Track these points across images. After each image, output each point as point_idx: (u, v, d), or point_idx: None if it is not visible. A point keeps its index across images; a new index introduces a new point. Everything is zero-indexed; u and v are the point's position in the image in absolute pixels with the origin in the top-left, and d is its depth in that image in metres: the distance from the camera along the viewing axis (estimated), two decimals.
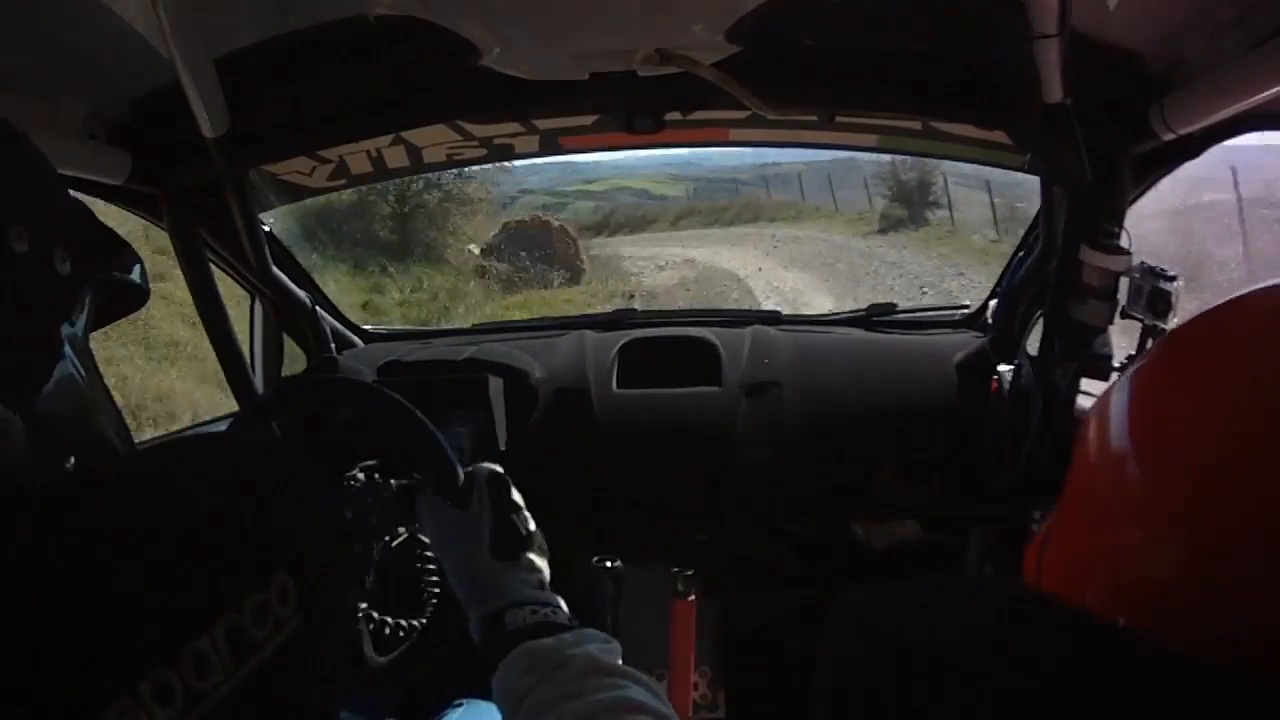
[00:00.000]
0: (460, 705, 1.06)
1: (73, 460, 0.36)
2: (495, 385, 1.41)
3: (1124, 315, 1.11)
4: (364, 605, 0.88)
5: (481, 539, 0.71)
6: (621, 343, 1.50)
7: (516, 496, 0.77)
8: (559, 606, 0.68)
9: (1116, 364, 1.15)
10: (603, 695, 0.56)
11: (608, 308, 6.97)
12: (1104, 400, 0.39)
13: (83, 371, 0.38)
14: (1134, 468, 0.36)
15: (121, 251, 0.44)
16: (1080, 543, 0.40)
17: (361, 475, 0.93)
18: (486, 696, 1.11)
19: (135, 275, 0.45)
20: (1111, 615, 0.34)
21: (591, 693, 0.56)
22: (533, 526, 0.75)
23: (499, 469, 0.77)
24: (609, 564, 1.30)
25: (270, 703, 0.32)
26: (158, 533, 0.30)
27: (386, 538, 0.89)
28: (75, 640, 0.26)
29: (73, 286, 0.38)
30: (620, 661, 0.62)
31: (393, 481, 0.88)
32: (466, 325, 1.84)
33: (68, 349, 0.37)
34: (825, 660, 0.35)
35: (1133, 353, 1.11)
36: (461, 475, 0.75)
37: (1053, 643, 0.31)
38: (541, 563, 0.73)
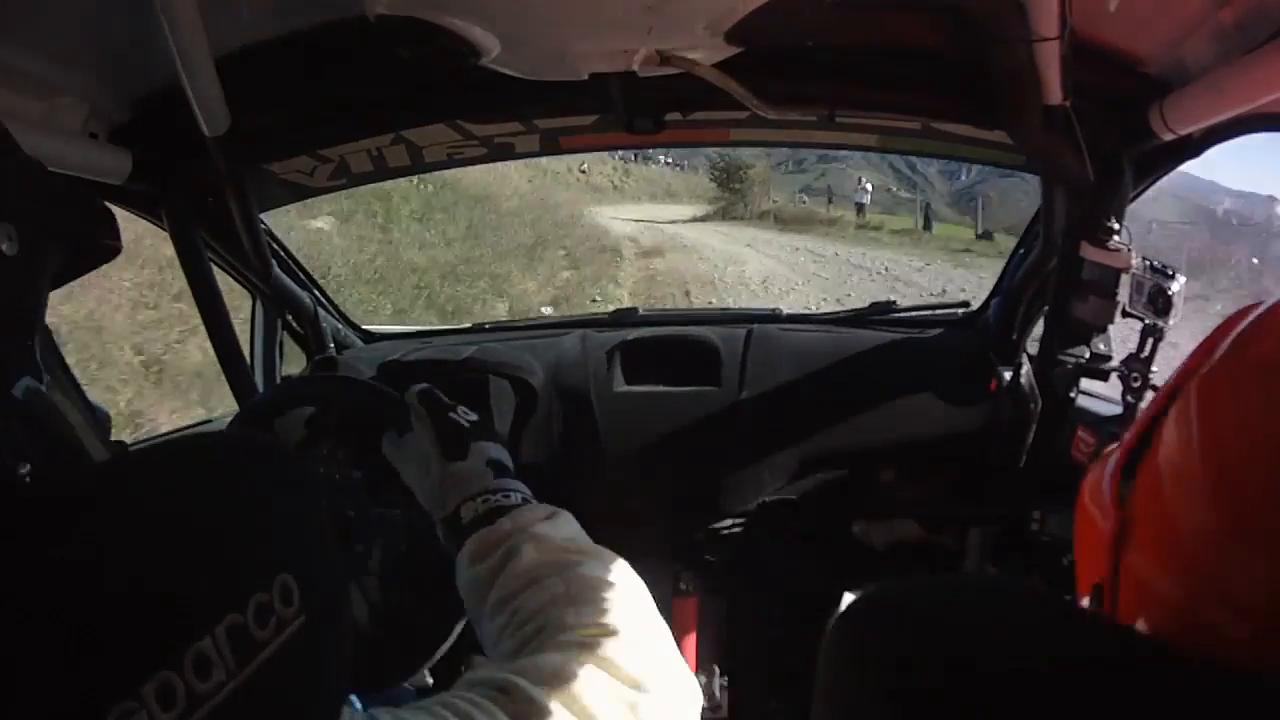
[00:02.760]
0: None
1: (28, 467, 0.34)
2: (496, 385, 1.41)
3: (1125, 314, 1.11)
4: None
5: (430, 449, 0.71)
6: (621, 342, 1.50)
7: (450, 400, 0.76)
8: (511, 490, 0.67)
9: (1116, 363, 1.15)
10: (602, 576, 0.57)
11: None
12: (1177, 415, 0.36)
13: (41, 372, 0.36)
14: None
15: (88, 213, 0.41)
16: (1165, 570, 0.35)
17: (360, 474, 0.93)
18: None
19: (99, 232, 0.41)
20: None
21: (541, 586, 0.56)
22: (475, 417, 0.74)
23: (425, 385, 0.76)
24: None
25: (271, 704, 0.32)
26: (160, 534, 0.30)
27: (388, 538, 0.89)
28: (78, 643, 0.26)
29: (21, 269, 0.35)
30: (567, 526, 0.63)
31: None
32: (466, 325, 1.84)
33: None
34: (827, 658, 0.35)
35: (1133, 351, 1.11)
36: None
37: (1061, 643, 0.31)
38: (496, 450, 0.71)
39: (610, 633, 0.52)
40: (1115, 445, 0.43)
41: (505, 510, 0.64)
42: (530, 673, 0.47)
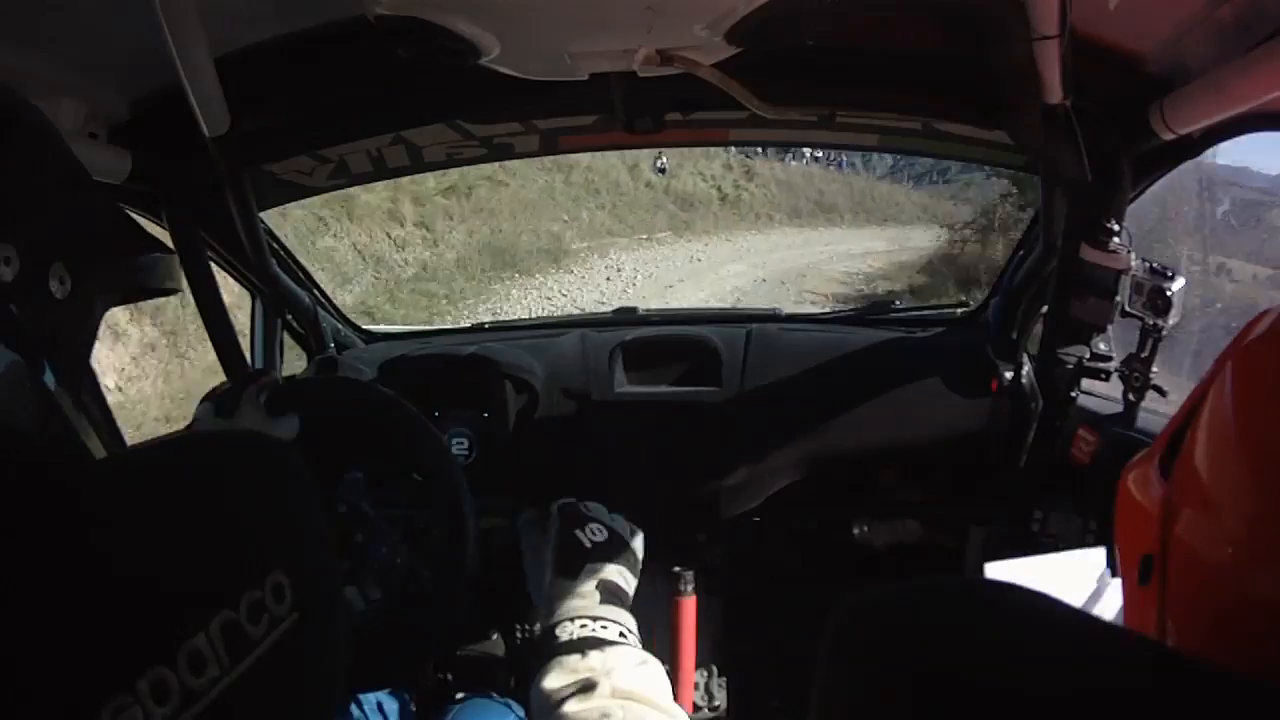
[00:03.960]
0: (461, 702, 1.07)
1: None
2: (498, 385, 1.41)
3: (1124, 314, 1.11)
4: None
5: (548, 558, 0.76)
6: (621, 342, 1.50)
7: (592, 510, 0.81)
8: (612, 621, 0.69)
9: (1116, 364, 1.15)
10: None
11: None
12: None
13: (56, 386, 0.36)
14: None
15: (143, 254, 0.41)
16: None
17: (359, 474, 0.93)
18: (486, 694, 1.11)
19: (156, 277, 0.42)
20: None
21: None
22: (603, 538, 0.77)
23: (571, 500, 0.82)
24: None
25: (266, 701, 0.32)
26: (155, 530, 0.30)
27: (386, 538, 0.89)
28: (73, 637, 0.26)
29: (69, 311, 0.36)
30: (656, 679, 0.64)
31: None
32: (466, 325, 1.85)
33: (48, 370, 0.35)
34: (825, 659, 0.35)
35: (1132, 351, 1.11)
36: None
37: (1059, 647, 0.31)
38: (612, 569, 0.74)
39: None
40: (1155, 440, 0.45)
41: (598, 644, 0.66)
42: None
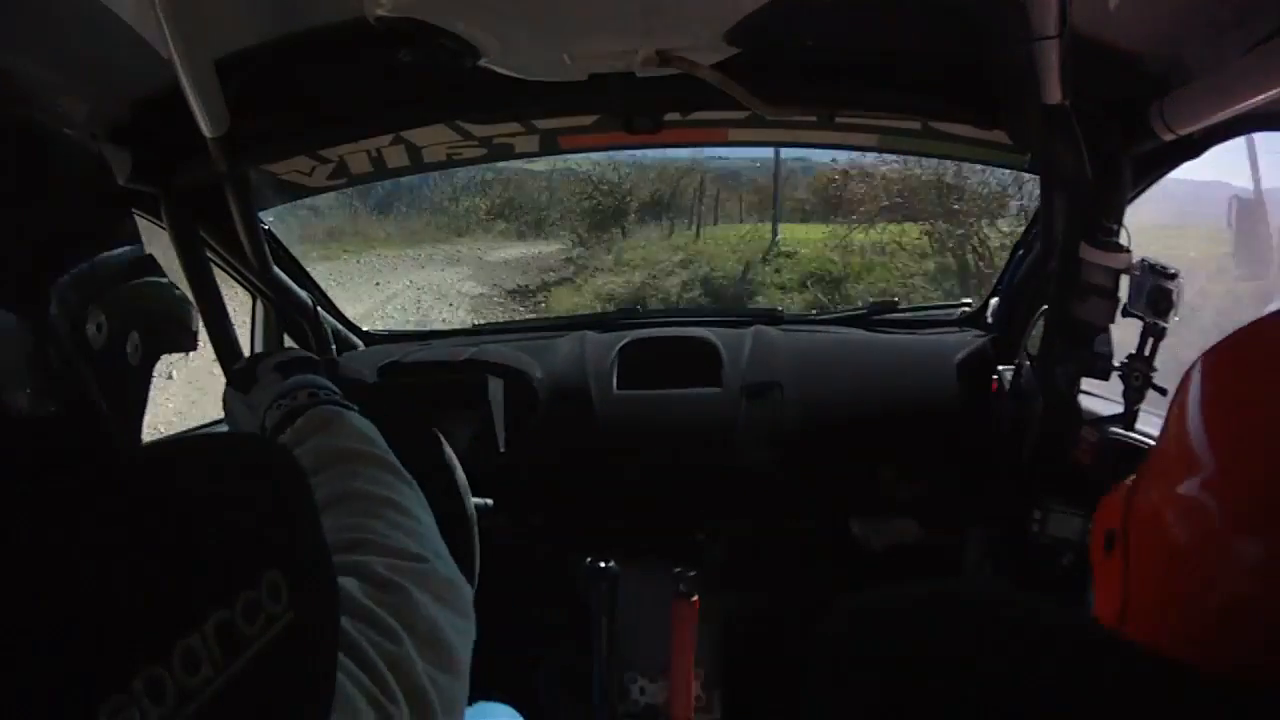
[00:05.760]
0: (470, 707, 1.06)
1: None
2: (495, 386, 1.41)
3: (1125, 313, 1.11)
4: None
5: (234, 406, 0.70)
6: (622, 343, 1.50)
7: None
8: (298, 389, 0.64)
9: (1117, 363, 1.15)
10: (380, 491, 0.54)
11: None
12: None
13: None
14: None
15: (184, 314, 0.44)
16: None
17: None
18: (484, 697, 1.11)
19: (190, 336, 0.44)
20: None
21: (372, 483, 0.54)
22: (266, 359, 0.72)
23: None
24: (604, 565, 1.30)
25: (261, 698, 0.32)
26: (151, 530, 0.30)
27: None
28: (70, 637, 0.26)
29: (139, 376, 0.38)
30: (355, 431, 0.61)
31: None
32: (466, 327, 1.85)
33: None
34: (820, 662, 0.35)
35: (1133, 351, 1.11)
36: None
37: (1049, 653, 0.31)
38: (284, 357, 0.70)
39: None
40: None
41: (300, 411, 0.62)
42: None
